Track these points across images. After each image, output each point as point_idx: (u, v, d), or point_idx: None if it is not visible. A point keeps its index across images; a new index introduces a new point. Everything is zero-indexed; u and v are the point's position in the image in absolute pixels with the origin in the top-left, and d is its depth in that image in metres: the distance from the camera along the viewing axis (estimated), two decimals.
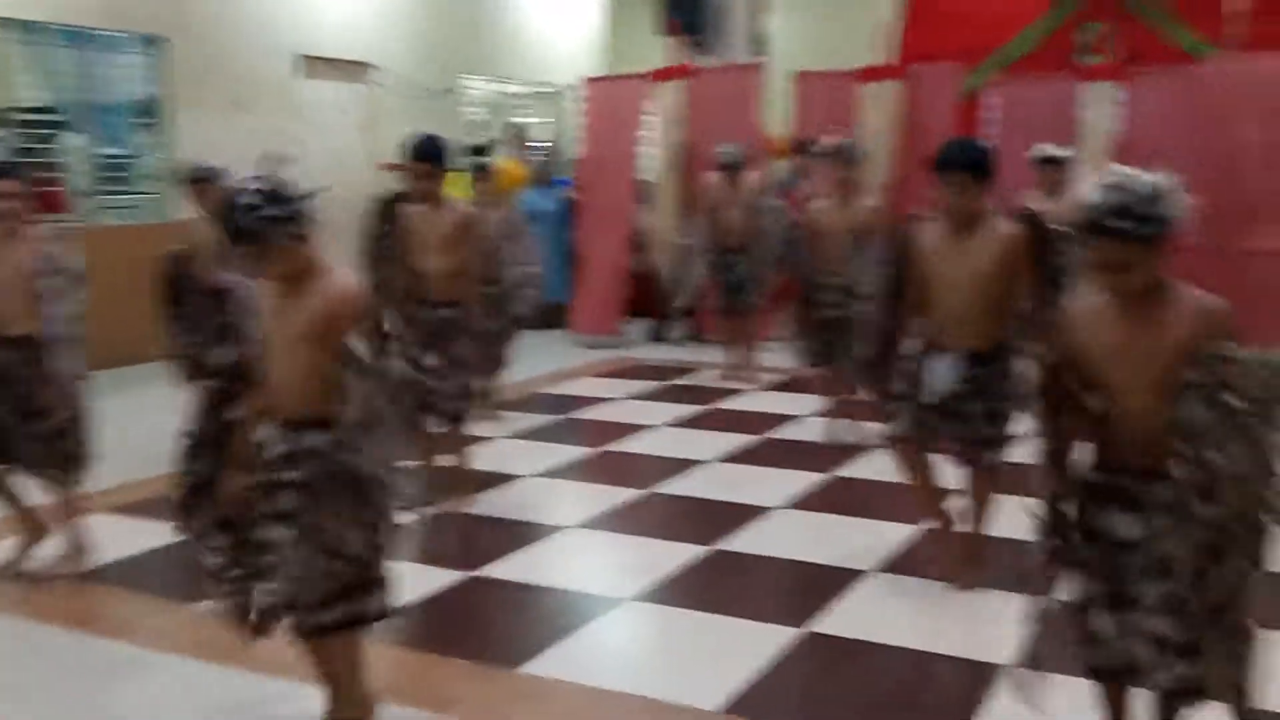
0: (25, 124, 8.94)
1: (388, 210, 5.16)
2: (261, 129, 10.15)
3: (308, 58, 10.82)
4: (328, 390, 2.84)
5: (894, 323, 4.10)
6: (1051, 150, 6.73)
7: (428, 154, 4.97)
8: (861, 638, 3.77)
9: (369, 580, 2.89)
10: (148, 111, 9.66)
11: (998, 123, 9.43)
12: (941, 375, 3.95)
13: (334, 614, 2.86)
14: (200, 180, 5.87)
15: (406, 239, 5.02)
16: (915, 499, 4.27)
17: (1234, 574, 2.29)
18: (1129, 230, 2.35)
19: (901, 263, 4.02)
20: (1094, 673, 2.66)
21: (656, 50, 11.34)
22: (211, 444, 2.97)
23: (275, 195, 2.75)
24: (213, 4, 9.99)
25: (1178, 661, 2.42)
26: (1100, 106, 8.89)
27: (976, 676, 3.46)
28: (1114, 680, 2.65)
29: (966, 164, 3.86)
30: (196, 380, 5.55)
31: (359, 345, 2.80)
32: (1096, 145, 8.85)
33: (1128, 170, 2.41)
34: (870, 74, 9.97)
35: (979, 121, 9.68)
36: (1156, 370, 2.43)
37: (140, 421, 5.91)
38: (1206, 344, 2.32)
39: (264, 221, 2.73)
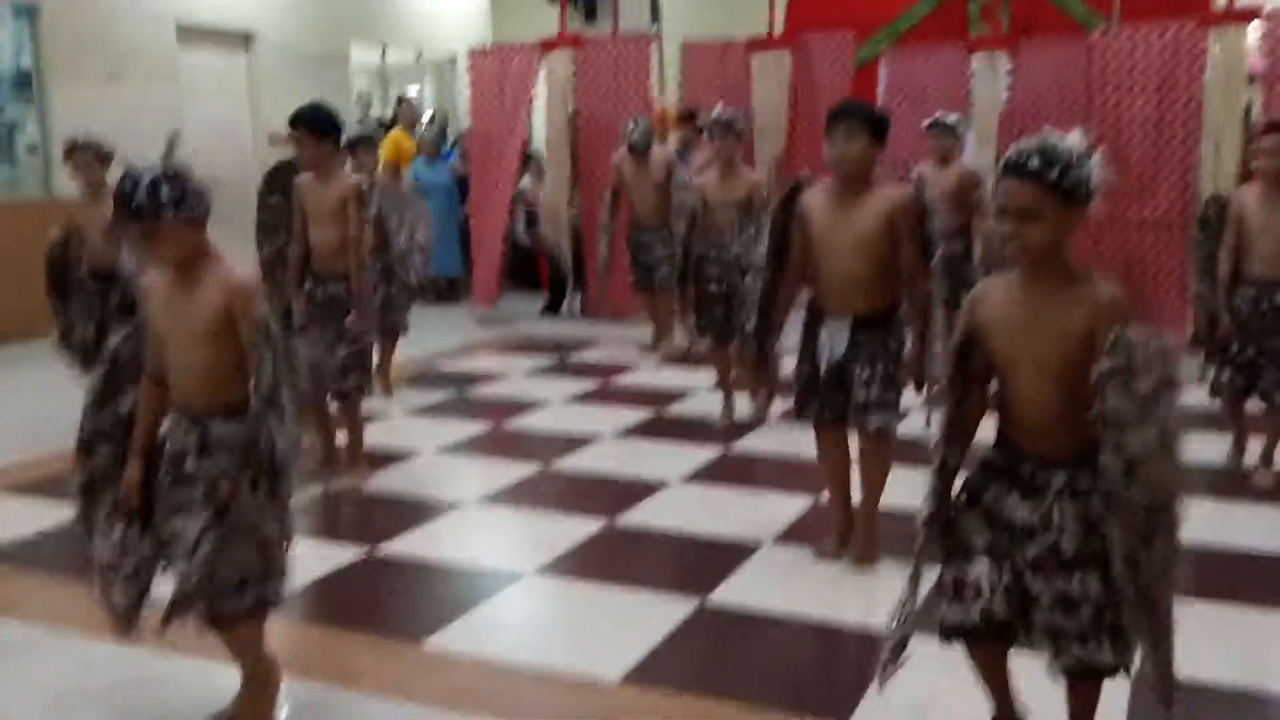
0: None
1: (277, 179, 5.12)
2: (140, 101, 9.91)
3: (188, 27, 10.56)
4: (229, 380, 2.84)
5: (776, 290, 4.11)
6: (943, 116, 6.91)
7: (311, 122, 4.93)
8: (758, 609, 3.84)
9: (277, 565, 2.92)
10: (23, 84, 9.35)
11: (890, 93, 9.61)
12: (830, 343, 3.97)
13: (244, 600, 2.88)
14: (77, 151, 5.75)
15: (300, 210, 4.99)
16: (827, 480, 4.31)
17: (1161, 557, 2.30)
18: (1041, 172, 2.36)
19: (786, 226, 4.05)
20: (952, 632, 2.64)
21: (546, 20, 11.32)
22: (108, 434, 2.95)
23: (171, 176, 2.73)
24: None
25: (1074, 645, 2.46)
26: (990, 77, 9.09)
27: (873, 646, 3.52)
28: (979, 642, 2.66)
29: (857, 114, 3.87)
30: (88, 367, 5.52)
31: (263, 329, 2.79)
32: (987, 115, 9.08)
33: (1065, 136, 2.42)
34: (759, 44, 10.06)
35: (873, 92, 9.86)
36: (1055, 354, 2.45)
37: (32, 399, 5.81)
38: (1112, 332, 2.31)
39: (158, 202, 2.71)
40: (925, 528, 2.66)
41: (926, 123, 6.92)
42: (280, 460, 2.78)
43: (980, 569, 2.55)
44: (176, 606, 2.86)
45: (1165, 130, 8.27)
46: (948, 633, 2.64)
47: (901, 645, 2.71)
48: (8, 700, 3.32)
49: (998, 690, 2.77)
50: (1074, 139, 2.40)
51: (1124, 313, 2.39)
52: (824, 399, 4.04)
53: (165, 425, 2.95)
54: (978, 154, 9.16)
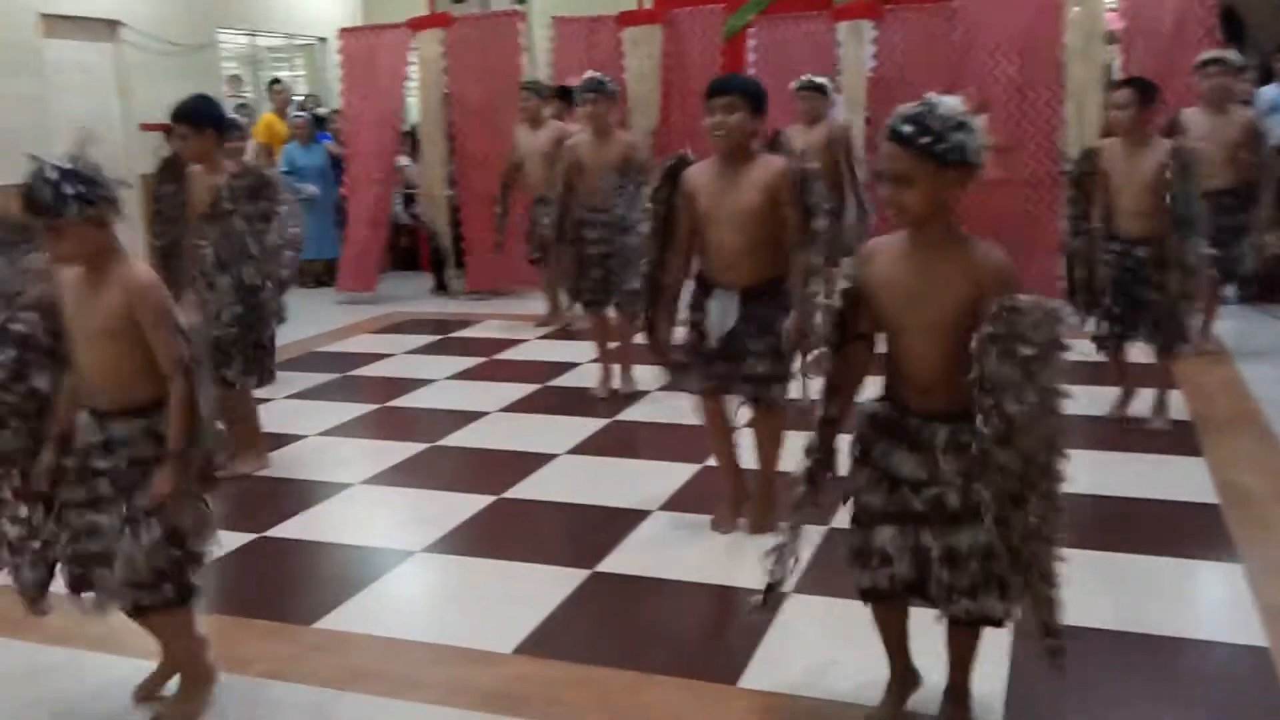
0: None
1: (170, 170, 5.08)
2: (4, 93, 9.63)
3: (49, 16, 10.25)
4: (134, 380, 2.85)
5: (663, 266, 4.17)
6: (811, 78, 7.06)
7: (185, 114, 4.88)
8: (648, 576, 3.92)
9: (196, 554, 2.96)
10: None
11: (759, 64, 9.73)
12: (720, 314, 3.99)
13: (164, 592, 2.92)
14: None
15: (190, 201, 4.95)
16: (714, 451, 4.36)
17: (1037, 518, 2.39)
18: (911, 137, 2.42)
19: (671, 201, 4.09)
20: (868, 595, 2.75)
21: (417, 1, 11.24)
22: (20, 410, 2.93)
23: (75, 174, 2.71)
24: None
25: (963, 599, 2.56)
26: (856, 45, 9.26)
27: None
28: (888, 601, 2.76)
29: (736, 86, 3.94)
30: None
31: (169, 318, 2.82)
32: (854, 82, 9.26)
33: (944, 98, 2.48)
34: (629, 18, 10.12)
35: (743, 64, 9.97)
36: (939, 316, 2.52)
37: None
38: (996, 297, 2.37)
39: (61, 199, 2.69)
40: (804, 481, 2.76)
41: (795, 84, 7.06)
42: (208, 448, 2.83)
43: (884, 536, 2.64)
44: (100, 599, 2.89)
45: (1029, 92, 8.50)
46: (866, 595, 2.76)
47: (774, 590, 2.84)
48: None
49: (896, 647, 2.90)
50: (953, 103, 2.47)
51: (1008, 280, 2.48)
52: (707, 369, 4.10)
53: (78, 418, 2.94)
54: (847, 118, 9.35)
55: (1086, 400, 5.43)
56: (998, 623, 2.62)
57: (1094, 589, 3.55)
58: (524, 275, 9.22)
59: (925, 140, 2.42)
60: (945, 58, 8.84)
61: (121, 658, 3.37)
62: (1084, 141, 7.74)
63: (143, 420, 2.85)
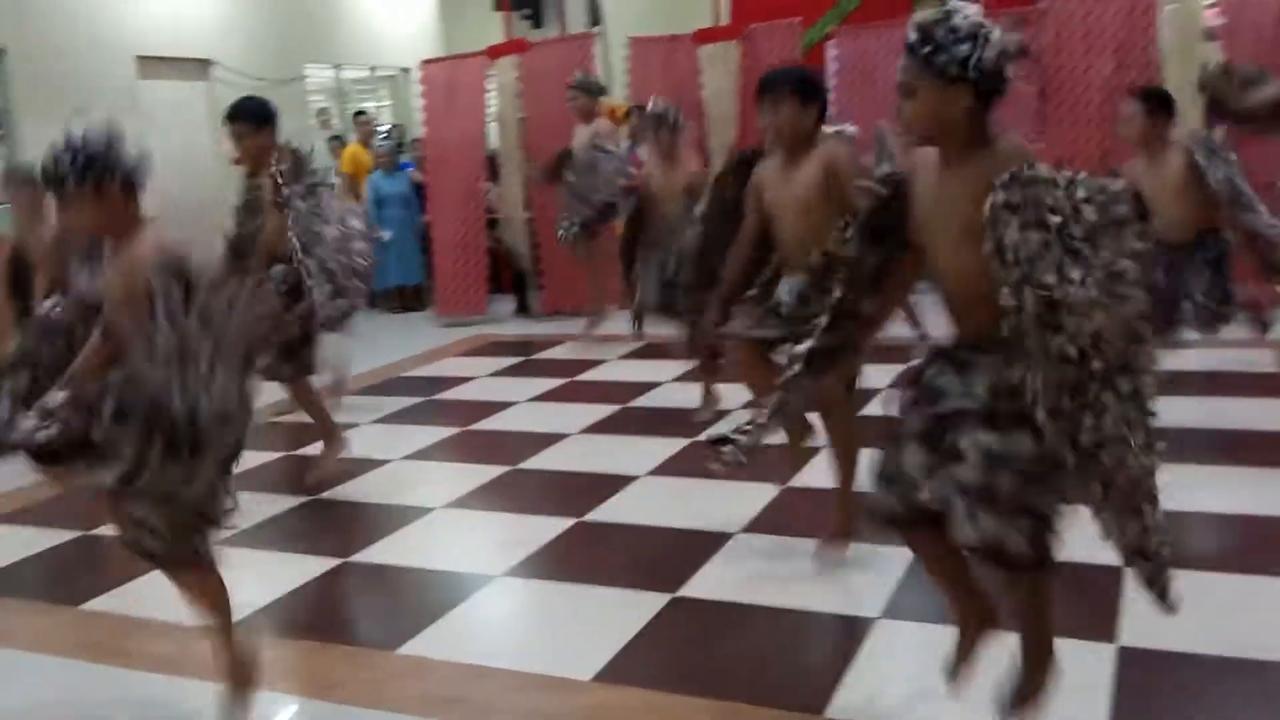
0: None
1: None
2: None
3: (146, 59, 10.55)
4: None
5: (718, 252, 4.14)
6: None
7: (242, 113, 5.01)
8: (730, 601, 3.85)
9: (206, 520, 2.96)
10: None
11: (840, 76, 9.67)
12: (789, 295, 3.93)
13: (178, 549, 2.94)
14: (17, 181, 5.79)
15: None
16: (751, 387, 4.31)
17: (1112, 415, 2.15)
18: (914, 45, 2.34)
19: (738, 195, 4.06)
20: (885, 519, 2.62)
21: (496, 29, 11.36)
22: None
23: (80, 144, 2.78)
24: (48, 11, 9.73)
25: (985, 514, 2.35)
26: None
27: (847, 632, 3.56)
28: (921, 531, 2.61)
29: (780, 81, 3.89)
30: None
31: (157, 296, 2.75)
32: None
33: (967, 10, 2.37)
34: (706, 35, 10.12)
35: (821, 76, 9.90)
36: (960, 223, 2.37)
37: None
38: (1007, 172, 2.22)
39: (64, 169, 2.75)
40: (794, 372, 2.71)
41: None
42: (198, 422, 2.72)
43: (912, 457, 2.51)
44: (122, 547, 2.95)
45: (1125, 94, 8.28)
46: (877, 516, 2.62)
47: (729, 443, 2.80)
48: None
49: (952, 585, 2.73)
50: (971, 12, 2.36)
51: (1022, 155, 2.31)
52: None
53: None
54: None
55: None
56: (1017, 562, 2.38)
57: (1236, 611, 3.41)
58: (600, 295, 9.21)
59: (926, 50, 2.34)
60: (1035, 59, 8.70)
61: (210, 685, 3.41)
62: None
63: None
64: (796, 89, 3.89)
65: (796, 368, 2.72)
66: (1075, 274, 2.12)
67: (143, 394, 2.74)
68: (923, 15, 2.39)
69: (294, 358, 5.14)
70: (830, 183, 3.86)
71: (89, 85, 9.98)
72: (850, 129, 7.00)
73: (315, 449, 5.62)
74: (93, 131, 2.80)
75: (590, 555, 4.45)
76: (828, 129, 6.98)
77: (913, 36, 2.36)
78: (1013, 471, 2.33)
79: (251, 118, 4.97)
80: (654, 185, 6.11)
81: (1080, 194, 2.16)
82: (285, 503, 5.15)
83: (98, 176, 2.79)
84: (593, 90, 7.71)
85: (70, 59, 9.87)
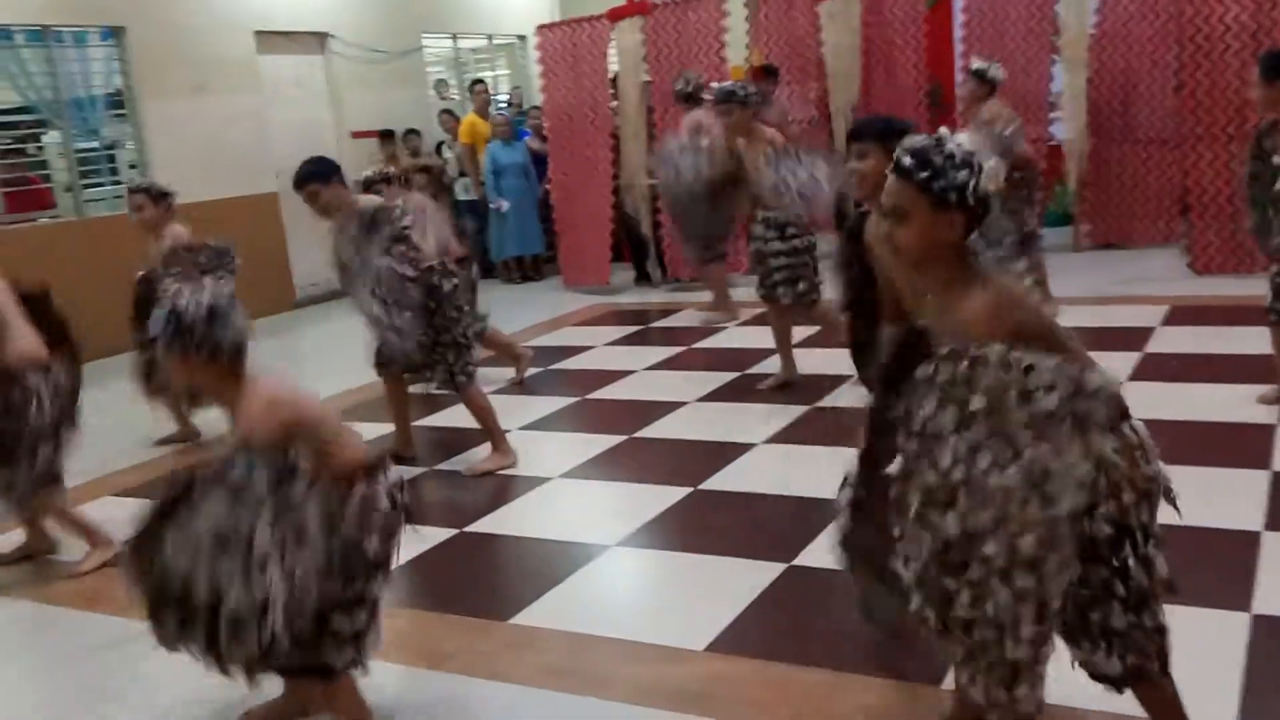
0: (3, 125, 9.25)
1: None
2: (224, 109, 10.19)
3: (265, 34, 10.73)
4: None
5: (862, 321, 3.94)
6: (979, 65, 6.86)
7: (308, 176, 4.95)
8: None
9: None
10: (119, 103, 9.69)
11: (970, 28, 9.40)
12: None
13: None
14: (132, 194, 5.96)
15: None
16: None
17: (997, 609, 2.09)
18: (910, 170, 2.29)
19: (862, 260, 3.93)
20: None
21: None
22: None
23: (186, 314, 2.74)
24: None
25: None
26: (1077, 2, 8.83)
27: None
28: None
29: (867, 132, 3.78)
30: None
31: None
32: (1075, 42, 8.84)
33: (958, 138, 2.34)
34: None
35: (949, 29, 9.64)
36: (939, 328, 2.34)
37: (140, 409, 6.07)
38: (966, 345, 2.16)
39: (169, 336, 2.76)
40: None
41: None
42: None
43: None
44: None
45: (1264, 38, 7.84)
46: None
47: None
48: (139, 696, 3.44)
49: None
50: (964, 140, 2.33)
51: (984, 328, 2.20)
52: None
53: None
54: (1067, 82, 8.96)
55: None
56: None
57: None
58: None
59: (924, 175, 2.28)
60: (1169, 8, 8.33)
61: None
62: None
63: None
64: (881, 139, 3.74)
65: None
66: (983, 461, 2.05)
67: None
68: (914, 139, 2.36)
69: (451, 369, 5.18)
70: None
71: (208, 62, 10.18)
72: (999, 70, 6.92)
73: (436, 419, 5.64)
74: (196, 301, 2.77)
75: (705, 524, 4.39)
76: (977, 65, 6.94)
77: (907, 161, 2.31)
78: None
79: (317, 177, 4.94)
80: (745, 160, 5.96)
81: (1043, 380, 2.05)
82: (403, 473, 5.16)
83: (195, 347, 2.77)
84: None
85: (190, 36, 10.03)
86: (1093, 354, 2.31)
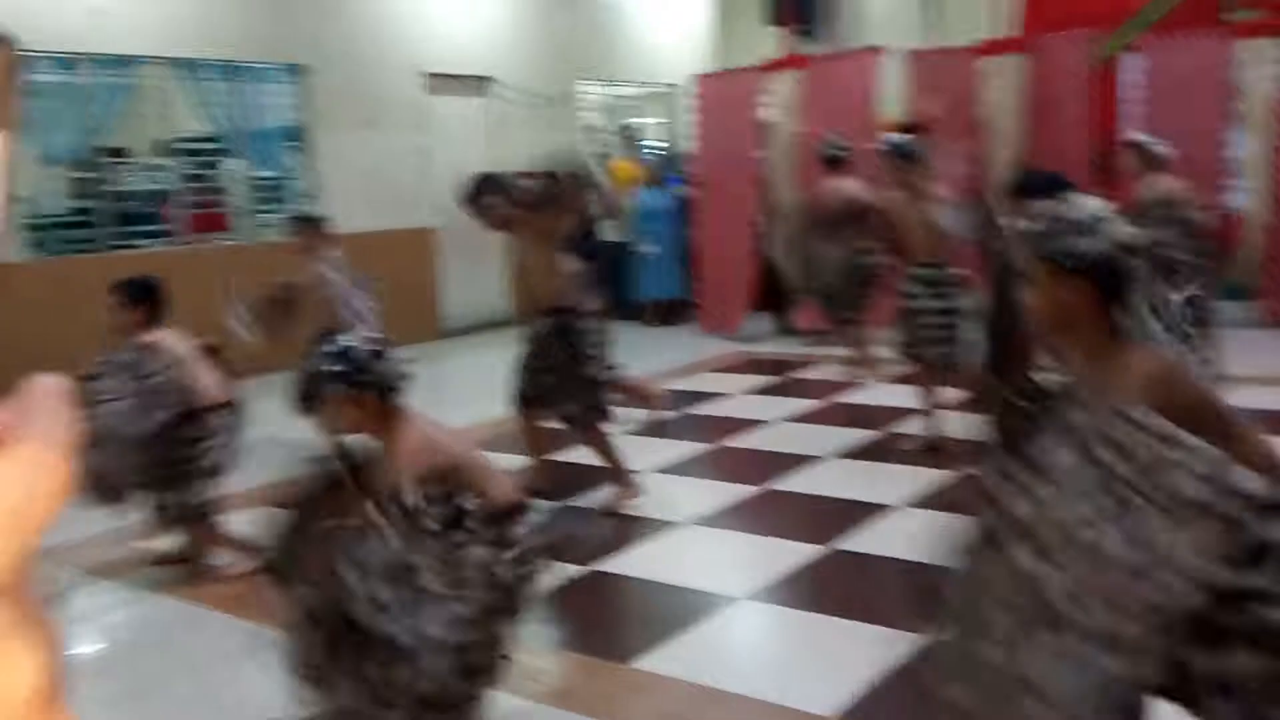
0: (190, 153, 9.81)
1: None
2: (392, 145, 10.59)
3: (433, 75, 11.06)
4: None
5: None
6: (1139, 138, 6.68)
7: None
8: None
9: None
10: (295, 135, 10.13)
11: (1140, 89, 9.11)
12: None
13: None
14: (304, 223, 6.14)
15: None
16: None
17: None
18: (1030, 235, 2.27)
19: (1013, 309, 3.85)
20: None
21: (765, 42, 11.26)
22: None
23: (342, 355, 2.78)
24: (346, 31, 10.32)
25: None
26: (1259, 66, 8.52)
27: None
28: None
29: (1029, 191, 3.72)
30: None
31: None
32: (1258, 109, 8.54)
33: (1087, 202, 2.28)
34: (990, 48, 9.70)
35: (1114, 92, 9.35)
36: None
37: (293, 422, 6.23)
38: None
39: (326, 376, 2.79)
40: None
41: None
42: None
43: None
44: None
45: None
46: None
47: None
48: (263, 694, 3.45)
49: None
50: (1091, 205, 2.25)
51: (1142, 400, 2.08)
52: None
53: None
54: (1249, 149, 8.63)
55: None
56: None
57: None
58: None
59: (1039, 240, 2.24)
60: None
61: None
62: None
63: None
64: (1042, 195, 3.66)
65: None
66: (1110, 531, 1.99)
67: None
68: (1043, 205, 2.33)
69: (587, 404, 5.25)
70: None
71: (380, 100, 10.57)
72: (1161, 147, 6.64)
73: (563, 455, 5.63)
74: (358, 343, 2.83)
75: (837, 586, 4.27)
76: (1137, 139, 6.73)
77: (1024, 224, 2.30)
78: None
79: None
80: (900, 214, 5.87)
81: (1197, 467, 1.96)
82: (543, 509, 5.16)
83: (352, 386, 2.80)
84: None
85: (364, 75, 10.45)
86: (1270, 438, 2.15)
